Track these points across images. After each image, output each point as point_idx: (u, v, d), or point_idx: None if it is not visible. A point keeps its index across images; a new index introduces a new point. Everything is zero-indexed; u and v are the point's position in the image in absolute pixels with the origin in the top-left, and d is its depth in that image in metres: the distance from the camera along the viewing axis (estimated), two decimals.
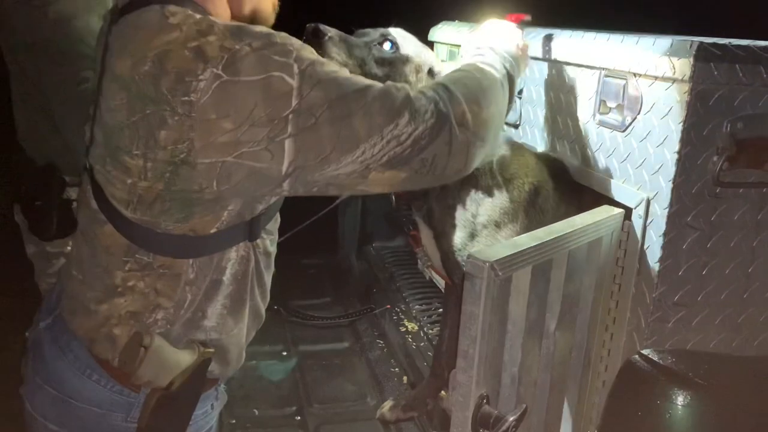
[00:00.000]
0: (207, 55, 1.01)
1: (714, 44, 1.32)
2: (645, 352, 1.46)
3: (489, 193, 1.63)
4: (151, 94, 1.03)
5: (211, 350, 1.22)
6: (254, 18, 1.25)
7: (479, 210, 1.63)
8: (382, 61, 1.44)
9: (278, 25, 1.41)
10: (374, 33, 1.49)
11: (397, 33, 1.50)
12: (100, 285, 1.18)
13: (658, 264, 1.42)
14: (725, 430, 1.40)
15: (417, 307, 2.85)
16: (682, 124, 1.34)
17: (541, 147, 1.85)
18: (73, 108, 1.76)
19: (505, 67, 1.35)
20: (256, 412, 2.22)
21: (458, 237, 1.63)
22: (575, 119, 1.71)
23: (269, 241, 1.29)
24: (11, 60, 1.96)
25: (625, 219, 1.50)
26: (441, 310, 2.56)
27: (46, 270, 2.03)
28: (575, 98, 1.70)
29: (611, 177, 1.57)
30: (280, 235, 1.35)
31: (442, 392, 2.11)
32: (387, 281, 3.09)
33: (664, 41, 1.39)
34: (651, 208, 1.43)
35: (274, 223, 1.31)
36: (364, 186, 1.12)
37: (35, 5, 1.80)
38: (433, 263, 1.86)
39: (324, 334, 2.77)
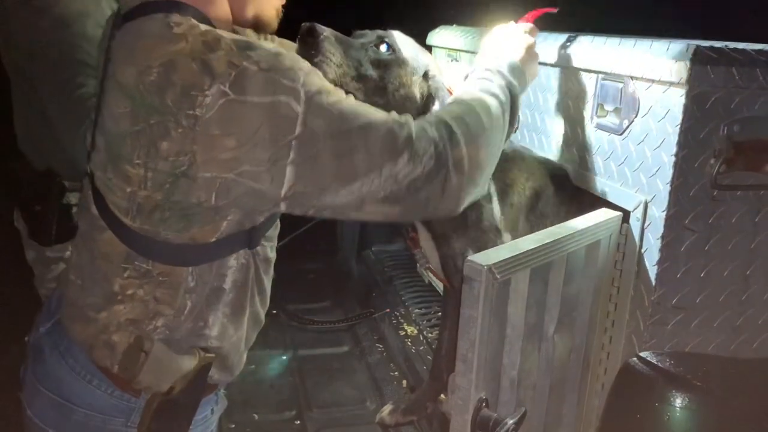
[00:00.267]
0: (214, 70, 1.01)
1: (711, 47, 1.33)
2: (643, 354, 1.46)
3: (489, 197, 1.63)
4: (156, 104, 1.03)
5: (212, 355, 1.22)
6: (257, 23, 1.25)
7: (479, 215, 1.63)
8: (377, 63, 1.44)
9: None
10: (371, 34, 1.48)
11: (394, 35, 1.50)
12: (99, 292, 1.18)
13: (656, 267, 1.42)
14: None
15: (416, 310, 2.85)
16: (679, 127, 1.35)
17: (539, 151, 1.85)
18: (70, 113, 1.76)
19: (510, 92, 1.33)
20: (256, 416, 2.22)
21: (458, 241, 1.63)
22: (573, 122, 1.71)
23: (269, 248, 1.29)
24: (10, 63, 1.97)
25: (623, 222, 1.50)
26: (440, 313, 2.56)
27: (46, 275, 2.03)
28: (573, 101, 1.70)
29: (609, 180, 1.57)
30: (279, 239, 1.35)
31: (442, 396, 2.11)
32: (386, 285, 3.09)
33: (661, 45, 1.40)
34: (649, 211, 1.43)
35: (275, 230, 1.31)
36: (358, 214, 1.14)
37: (34, 9, 1.80)
38: (432, 265, 1.86)
39: (323, 338, 2.77)
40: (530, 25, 1.49)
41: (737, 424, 1.39)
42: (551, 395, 1.44)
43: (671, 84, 1.36)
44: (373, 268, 3.30)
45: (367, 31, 1.50)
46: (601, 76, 1.58)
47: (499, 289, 1.18)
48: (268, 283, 1.33)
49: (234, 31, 1.21)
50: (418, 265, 2.87)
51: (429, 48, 2.64)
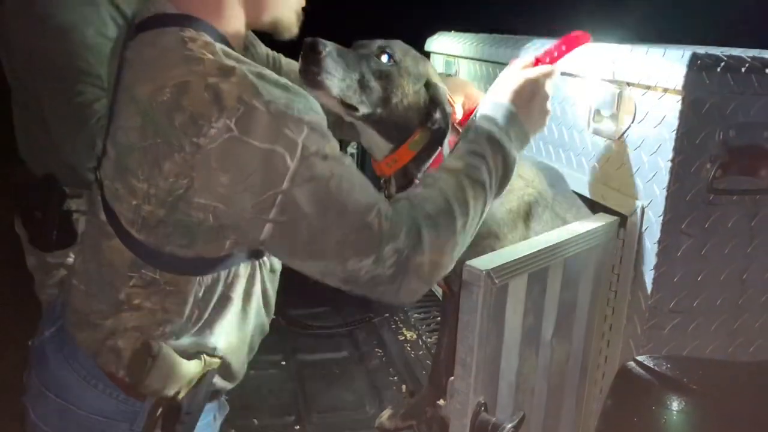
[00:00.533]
0: (224, 102, 1.00)
1: (706, 54, 1.34)
2: (640, 357, 1.46)
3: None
4: (164, 125, 1.03)
5: (217, 360, 1.23)
6: (275, 28, 1.24)
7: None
8: (379, 74, 1.44)
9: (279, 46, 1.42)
10: (372, 45, 1.48)
11: (395, 45, 1.50)
12: (105, 299, 1.18)
13: (653, 271, 1.43)
14: None
15: (415, 315, 2.86)
16: (675, 132, 1.36)
17: (537, 156, 1.86)
18: (70, 120, 1.77)
19: (505, 163, 1.25)
20: (256, 421, 2.22)
21: None
22: (570, 128, 1.72)
23: (276, 259, 1.30)
24: (10, 71, 1.98)
25: (620, 227, 1.51)
26: (439, 318, 2.56)
27: (46, 281, 2.04)
28: (570, 107, 1.71)
29: (606, 185, 1.58)
30: None
31: (441, 400, 2.11)
32: None
33: (657, 51, 1.41)
34: (646, 216, 1.44)
35: None
36: (323, 280, 1.15)
37: (34, 18, 1.81)
38: None
39: (323, 343, 2.77)
40: (552, 68, 1.34)
41: (733, 427, 1.40)
42: (549, 399, 1.45)
43: (667, 90, 1.37)
44: None
45: (368, 41, 1.50)
46: (597, 82, 1.59)
47: (498, 293, 1.19)
48: (273, 294, 1.33)
49: (245, 48, 1.21)
50: None
51: (427, 54, 2.66)
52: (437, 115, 1.48)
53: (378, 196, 1.13)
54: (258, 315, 1.30)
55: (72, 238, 1.96)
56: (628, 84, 1.48)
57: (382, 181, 1.62)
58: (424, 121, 1.50)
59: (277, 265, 1.32)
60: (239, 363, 1.31)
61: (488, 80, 2.21)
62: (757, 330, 1.51)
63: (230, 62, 1.04)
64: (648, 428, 1.40)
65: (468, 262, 1.18)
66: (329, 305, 3.07)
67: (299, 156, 1.03)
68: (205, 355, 1.22)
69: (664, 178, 1.39)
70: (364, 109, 1.42)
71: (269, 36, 1.29)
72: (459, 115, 1.58)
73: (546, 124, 1.35)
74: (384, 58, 1.45)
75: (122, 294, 1.16)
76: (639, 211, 1.45)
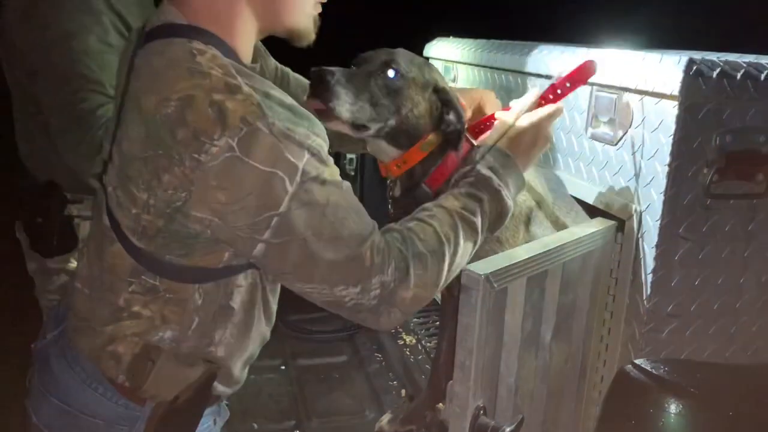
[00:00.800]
0: (227, 121, 1.01)
1: (702, 59, 1.35)
2: (637, 360, 1.47)
3: None
4: (166, 138, 1.03)
5: (217, 366, 1.24)
6: (292, 35, 1.24)
7: None
8: (387, 90, 1.43)
9: (279, 48, 1.42)
10: (376, 58, 1.47)
11: (399, 57, 1.48)
12: (106, 304, 1.19)
13: (651, 275, 1.44)
14: None
15: (415, 320, 2.86)
16: (672, 137, 1.37)
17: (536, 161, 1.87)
18: (72, 127, 1.77)
19: (498, 207, 1.28)
20: (255, 426, 2.22)
21: None
22: (569, 133, 1.74)
23: None
24: (12, 78, 1.98)
25: (618, 231, 1.52)
26: (438, 322, 2.57)
27: (47, 286, 2.04)
28: (568, 112, 1.72)
29: (604, 190, 1.59)
30: None
31: (440, 404, 2.11)
32: None
33: (654, 56, 1.42)
34: (643, 220, 1.45)
35: None
36: (308, 298, 1.17)
37: (36, 25, 1.81)
38: None
39: (322, 348, 2.77)
40: (555, 108, 1.37)
41: (731, 430, 1.40)
42: (548, 402, 1.45)
43: (664, 95, 1.38)
44: None
45: (371, 54, 1.48)
46: (595, 87, 1.60)
47: (496, 297, 1.20)
48: (274, 303, 1.34)
49: (255, 61, 1.22)
50: None
51: (425, 59, 2.66)
52: (451, 117, 1.48)
53: (372, 226, 1.15)
54: (259, 324, 1.30)
55: (73, 244, 1.97)
56: (626, 89, 1.49)
57: (388, 181, 1.62)
58: (437, 125, 1.50)
59: None
60: (239, 370, 1.32)
61: (486, 86, 2.22)
62: (754, 333, 1.52)
63: (237, 80, 1.04)
64: (646, 431, 1.40)
65: (467, 266, 1.18)
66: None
67: (298, 181, 1.04)
68: (204, 361, 1.22)
69: (662, 182, 1.40)
70: (375, 126, 1.43)
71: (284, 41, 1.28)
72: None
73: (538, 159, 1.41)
74: (390, 73, 1.44)
75: (121, 300, 1.17)
76: (637, 215, 1.46)
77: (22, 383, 1.33)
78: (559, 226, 1.66)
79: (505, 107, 1.48)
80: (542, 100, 1.40)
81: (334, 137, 1.20)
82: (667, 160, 1.38)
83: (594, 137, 1.62)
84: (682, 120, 1.36)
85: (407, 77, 1.46)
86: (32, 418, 1.26)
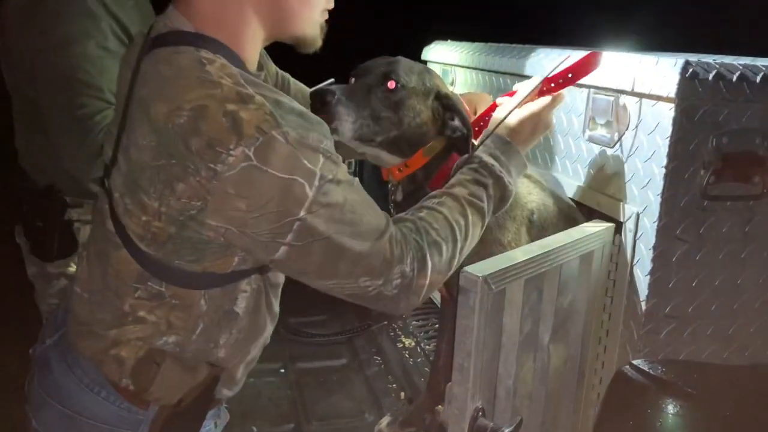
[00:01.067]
0: (243, 131, 1.01)
1: (699, 62, 1.36)
2: (635, 361, 1.47)
3: None
4: (180, 148, 1.03)
5: (221, 368, 1.24)
6: (299, 43, 1.25)
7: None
8: (388, 103, 1.43)
9: (278, 52, 1.42)
10: (375, 69, 1.47)
11: (398, 67, 1.47)
12: (109, 309, 1.19)
13: (648, 277, 1.44)
14: None
15: (414, 322, 2.86)
16: (669, 139, 1.37)
17: (533, 163, 1.88)
18: (71, 132, 1.77)
19: (504, 195, 1.36)
20: (255, 429, 2.22)
21: None
22: (566, 135, 1.74)
23: (279, 274, 1.31)
24: (11, 82, 1.99)
25: (615, 233, 1.52)
26: (437, 325, 2.57)
27: (47, 290, 2.04)
28: (565, 115, 1.73)
29: (601, 192, 1.60)
30: None
31: (439, 406, 2.12)
32: None
33: (651, 59, 1.43)
34: (640, 222, 1.46)
35: None
36: (326, 291, 1.20)
37: (35, 30, 1.82)
38: None
39: (321, 351, 2.77)
40: (555, 96, 1.44)
41: (729, 431, 1.41)
42: (547, 404, 1.46)
43: (661, 98, 1.38)
44: None
45: (370, 65, 1.48)
46: (592, 90, 1.61)
47: (494, 299, 1.20)
48: (276, 308, 1.35)
49: (259, 68, 1.23)
50: None
51: (424, 63, 2.67)
52: (456, 122, 1.49)
53: (386, 218, 1.18)
54: (262, 328, 1.31)
55: (73, 248, 1.97)
56: (623, 92, 1.49)
57: (390, 186, 1.62)
58: (441, 130, 1.51)
59: (280, 279, 1.33)
60: (241, 373, 1.32)
61: (484, 89, 2.23)
62: (752, 334, 1.52)
63: (248, 89, 1.04)
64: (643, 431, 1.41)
65: (465, 268, 1.19)
66: (328, 313, 3.08)
67: (317, 184, 1.06)
68: (208, 364, 1.22)
69: (659, 184, 1.40)
70: (378, 139, 1.43)
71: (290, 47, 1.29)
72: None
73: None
74: (390, 85, 1.44)
75: (126, 305, 1.17)
76: (634, 217, 1.47)
77: (21, 388, 1.33)
78: (560, 228, 1.66)
79: (510, 92, 1.51)
80: (545, 86, 1.42)
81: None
82: (664, 162, 1.39)
83: (591, 139, 1.63)
84: (678, 122, 1.36)
85: (407, 87, 1.46)
86: (32, 422, 1.26)
